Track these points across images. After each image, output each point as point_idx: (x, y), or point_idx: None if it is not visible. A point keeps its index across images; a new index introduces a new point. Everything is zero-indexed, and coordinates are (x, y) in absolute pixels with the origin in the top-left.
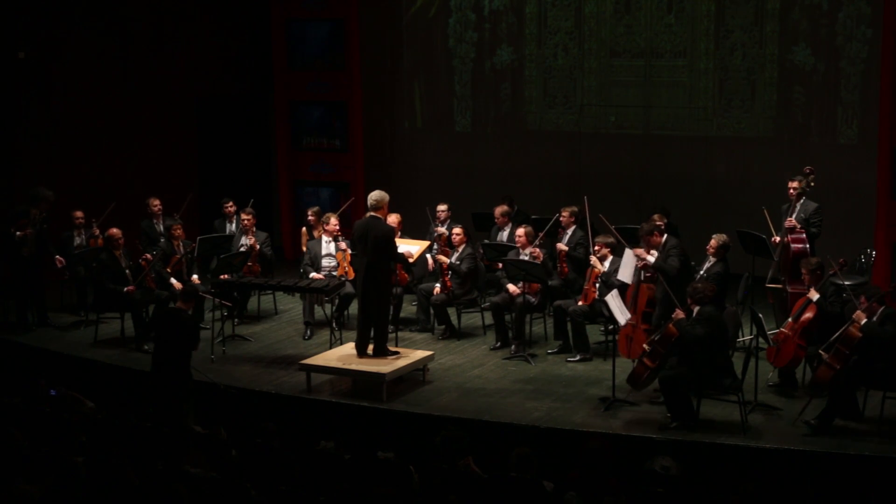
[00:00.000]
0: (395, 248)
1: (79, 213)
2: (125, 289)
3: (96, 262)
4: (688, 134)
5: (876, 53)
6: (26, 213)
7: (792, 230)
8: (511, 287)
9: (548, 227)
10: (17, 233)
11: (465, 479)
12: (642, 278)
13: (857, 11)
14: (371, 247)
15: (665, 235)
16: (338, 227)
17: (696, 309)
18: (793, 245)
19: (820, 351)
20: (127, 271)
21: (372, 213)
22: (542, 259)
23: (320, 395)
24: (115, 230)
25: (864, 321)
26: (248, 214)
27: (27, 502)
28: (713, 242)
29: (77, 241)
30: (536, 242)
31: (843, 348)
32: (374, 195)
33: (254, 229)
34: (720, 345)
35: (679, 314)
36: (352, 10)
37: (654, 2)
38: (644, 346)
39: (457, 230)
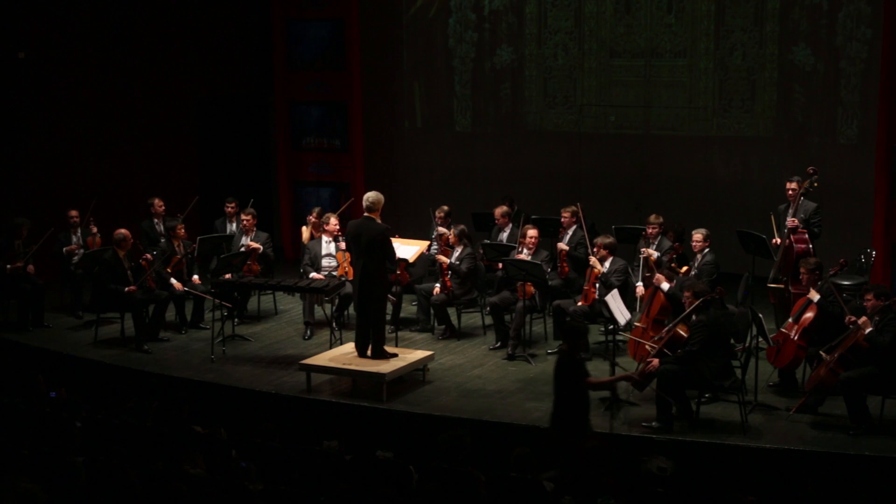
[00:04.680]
0: (390, 245)
1: (73, 213)
2: (126, 289)
3: (98, 262)
4: (688, 134)
5: (876, 53)
6: (11, 245)
7: (795, 230)
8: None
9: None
10: (7, 266)
11: (465, 479)
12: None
13: (857, 11)
14: (365, 247)
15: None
16: (338, 227)
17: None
18: (796, 245)
19: (821, 352)
20: (128, 272)
21: (366, 214)
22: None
23: (320, 395)
24: (123, 230)
25: (868, 330)
26: (248, 214)
27: (28, 502)
28: (698, 237)
29: (73, 240)
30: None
31: (850, 356)
32: (371, 196)
33: (254, 229)
34: (719, 346)
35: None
36: (352, 10)
37: (654, 2)
38: (647, 347)
39: (447, 230)
